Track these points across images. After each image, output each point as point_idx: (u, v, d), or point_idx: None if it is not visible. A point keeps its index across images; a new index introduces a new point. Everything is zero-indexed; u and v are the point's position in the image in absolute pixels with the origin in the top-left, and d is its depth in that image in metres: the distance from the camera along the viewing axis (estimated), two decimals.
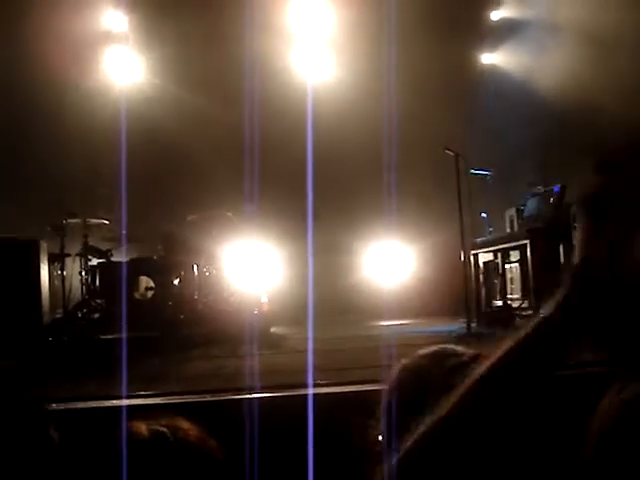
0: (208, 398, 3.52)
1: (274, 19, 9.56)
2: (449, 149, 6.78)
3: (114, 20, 9.84)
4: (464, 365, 1.32)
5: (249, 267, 7.92)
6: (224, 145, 8.99)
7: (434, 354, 1.38)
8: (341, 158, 9.29)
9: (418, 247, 9.23)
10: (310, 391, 3.14)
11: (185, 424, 1.13)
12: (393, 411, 1.33)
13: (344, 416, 2.04)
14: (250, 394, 3.41)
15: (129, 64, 9.82)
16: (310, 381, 3.23)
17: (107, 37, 9.80)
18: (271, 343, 6.52)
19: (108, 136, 7.74)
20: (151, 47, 9.74)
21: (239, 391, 3.50)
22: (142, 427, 1.09)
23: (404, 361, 1.40)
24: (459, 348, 1.41)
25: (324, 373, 3.96)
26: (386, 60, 7.77)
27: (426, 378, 1.32)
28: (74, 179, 8.40)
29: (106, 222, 8.01)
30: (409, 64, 8.23)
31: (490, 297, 8.15)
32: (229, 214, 8.22)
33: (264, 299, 7.95)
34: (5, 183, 8.43)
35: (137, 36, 9.80)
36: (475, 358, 1.36)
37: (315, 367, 4.17)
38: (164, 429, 1.10)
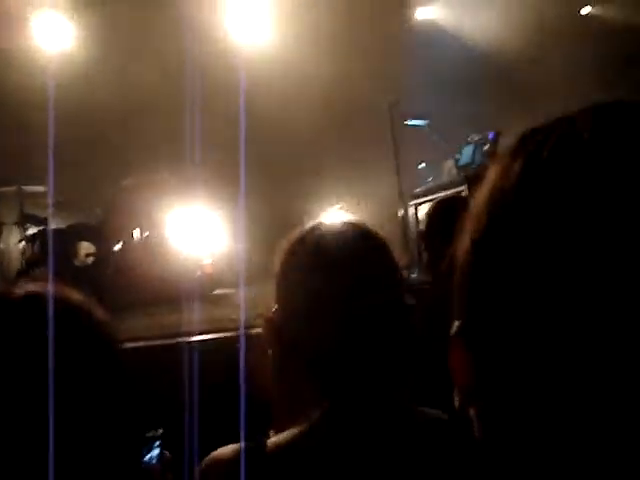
0: (148, 343, 3.55)
1: None
2: (382, 99, 6.82)
3: None
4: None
5: (191, 231, 7.87)
6: (160, 111, 8.89)
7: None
8: (280, 122, 9.27)
9: (356, 206, 9.22)
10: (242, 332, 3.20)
11: (69, 291, 1.12)
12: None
13: None
14: (188, 337, 3.45)
15: (58, 29, 9.60)
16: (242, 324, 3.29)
17: (36, 1, 9.57)
18: (212, 302, 6.53)
19: (39, 102, 7.58)
20: (81, 12, 9.54)
21: (178, 336, 3.54)
22: (20, 290, 1.08)
23: None
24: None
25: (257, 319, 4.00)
26: (318, 16, 7.76)
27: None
28: (6, 147, 8.24)
29: (42, 189, 7.89)
30: (342, 19, 8.22)
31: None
32: (168, 177, 8.15)
33: (207, 262, 7.93)
34: None
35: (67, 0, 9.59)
36: None
37: (251, 316, 4.22)
38: (41, 290, 1.09)
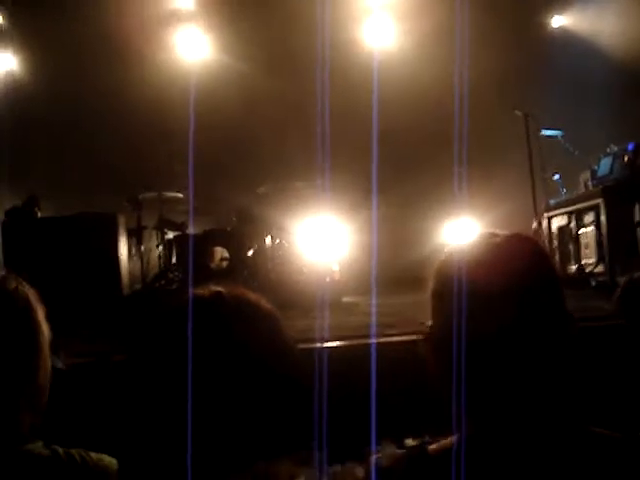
0: None
1: None
2: (517, 109, 6.72)
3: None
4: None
5: (321, 238, 7.97)
6: (293, 118, 9.08)
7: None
8: (412, 128, 9.28)
9: (489, 216, 9.08)
10: (373, 340, 3.25)
11: (244, 290, 1.20)
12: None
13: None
14: (321, 343, 3.52)
15: (197, 42, 10.01)
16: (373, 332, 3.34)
17: (176, 16, 10.00)
18: (343, 309, 6.60)
19: (179, 112, 7.91)
20: (218, 25, 9.90)
21: (310, 341, 3.61)
22: (204, 290, 1.18)
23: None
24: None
25: (392, 328, 4.03)
26: (453, 24, 7.71)
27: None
28: (148, 154, 8.60)
29: (180, 195, 8.21)
30: (477, 28, 8.13)
31: (565, 262, 8.05)
32: (300, 184, 8.30)
33: (335, 269, 8.01)
34: (84, 159, 8.74)
35: (204, 14, 9.97)
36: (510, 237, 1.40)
37: (384, 324, 4.28)
38: (222, 289, 1.18)
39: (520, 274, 1.33)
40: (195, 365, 1.08)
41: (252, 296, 1.20)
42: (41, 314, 1.53)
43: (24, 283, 1.52)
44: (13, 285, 1.49)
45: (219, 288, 1.19)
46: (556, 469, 1.26)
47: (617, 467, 1.25)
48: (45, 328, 1.53)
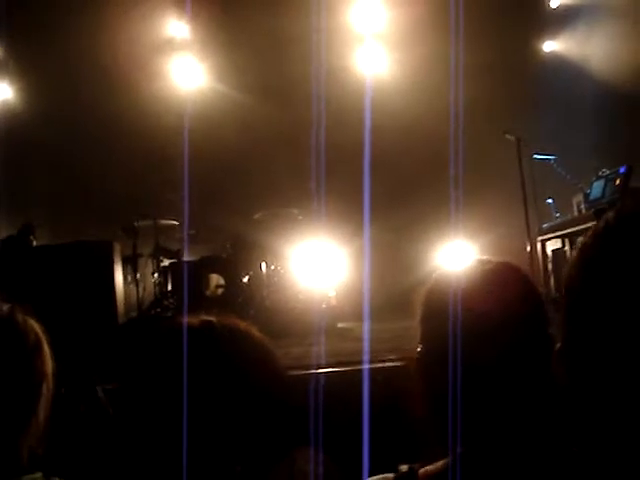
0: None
1: (332, 20, 9.67)
2: (509, 133, 6.77)
3: (177, 29, 10.16)
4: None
5: (316, 264, 7.98)
6: (288, 145, 9.12)
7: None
8: (405, 154, 9.32)
9: (483, 240, 9.10)
10: (366, 366, 3.26)
11: (236, 319, 1.22)
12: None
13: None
14: (316, 370, 3.53)
15: (192, 70, 10.10)
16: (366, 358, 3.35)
17: (171, 45, 10.10)
18: (338, 335, 6.59)
19: (174, 140, 7.96)
20: (213, 54, 9.98)
21: (306, 368, 3.62)
22: (195, 319, 1.19)
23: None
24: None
25: (387, 354, 4.04)
26: (445, 51, 7.79)
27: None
28: (143, 182, 8.64)
29: (176, 223, 8.22)
30: (468, 54, 8.22)
31: (560, 284, 8.06)
32: (295, 211, 8.33)
33: (332, 295, 8.02)
34: (80, 187, 8.77)
35: (199, 43, 10.06)
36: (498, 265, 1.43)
37: (378, 350, 4.28)
38: (213, 319, 1.20)
39: (514, 302, 1.36)
40: (186, 393, 1.09)
41: (242, 325, 1.22)
42: (47, 346, 1.54)
43: (30, 315, 1.53)
44: (21, 318, 1.50)
45: (210, 317, 1.20)
46: None
47: None
48: (50, 360, 1.54)
